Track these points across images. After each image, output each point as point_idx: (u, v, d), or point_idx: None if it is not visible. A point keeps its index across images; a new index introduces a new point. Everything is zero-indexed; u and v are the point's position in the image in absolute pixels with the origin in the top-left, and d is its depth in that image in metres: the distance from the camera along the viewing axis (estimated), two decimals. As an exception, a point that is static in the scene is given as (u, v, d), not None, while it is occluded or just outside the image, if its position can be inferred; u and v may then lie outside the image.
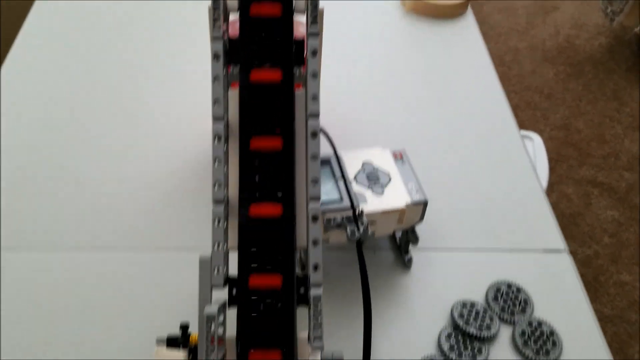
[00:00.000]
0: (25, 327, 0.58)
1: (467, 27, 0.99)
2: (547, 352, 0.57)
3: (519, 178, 0.75)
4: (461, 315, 0.59)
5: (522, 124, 0.78)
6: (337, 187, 0.57)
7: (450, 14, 1.00)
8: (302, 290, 0.46)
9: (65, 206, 0.69)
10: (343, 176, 0.58)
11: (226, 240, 0.46)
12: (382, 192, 0.58)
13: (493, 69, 0.91)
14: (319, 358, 0.45)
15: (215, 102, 0.44)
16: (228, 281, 0.46)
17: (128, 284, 0.62)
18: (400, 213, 0.58)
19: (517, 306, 0.61)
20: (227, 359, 0.46)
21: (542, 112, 1.97)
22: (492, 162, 0.76)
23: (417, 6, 0.99)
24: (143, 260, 0.64)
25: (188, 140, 0.77)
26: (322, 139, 0.47)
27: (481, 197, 0.72)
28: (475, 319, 0.59)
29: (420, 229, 0.63)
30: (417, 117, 0.82)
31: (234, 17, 0.46)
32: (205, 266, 0.45)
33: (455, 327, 0.59)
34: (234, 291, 0.46)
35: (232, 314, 0.46)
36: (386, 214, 0.57)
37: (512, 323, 0.60)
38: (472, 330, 0.58)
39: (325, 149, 0.49)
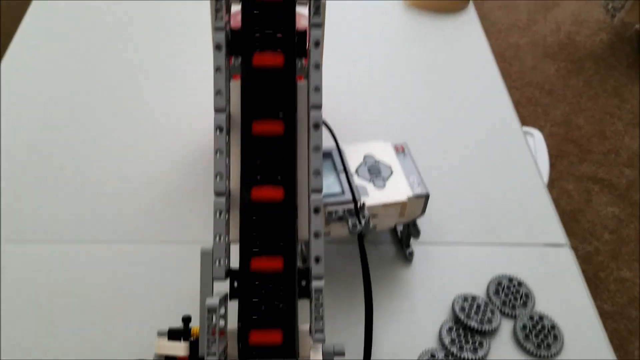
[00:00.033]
0: (25, 320, 0.58)
1: (469, 22, 0.98)
2: (548, 346, 0.57)
3: (521, 172, 0.74)
4: (462, 309, 0.59)
5: (523, 120, 0.78)
6: (339, 180, 0.57)
7: (451, 8, 0.99)
8: (303, 283, 0.46)
9: (65, 199, 0.69)
10: (345, 169, 0.58)
11: (228, 232, 0.45)
12: (383, 185, 0.58)
13: (495, 64, 0.91)
14: (320, 351, 0.45)
15: (217, 93, 0.44)
16: (229, 274, 0.46)
17: (130, 278, 0.62)
18: (401, 206, 0.58)
19: (519, 300, 0.61)
20: (229, 351, 0.46)
21: (542, 108, 1.97)
22: (493, 157, 0.76)
23: (419, 1, 0.99)
24: (145, 254, 0.64)
25: (189, 135, 0.77)
26: (324, 132, 0.47)
27: (483, 192, 0.72)
28: (477, 312, 0.59)
29: (421, 223, 0.63)
30: (418, 111, 0.82)
31: (236, 8, 0.46)
32: (207, 258, 0.45)
33: (457, 320, 0.59)
34: (236, 284, 0.46)
35: (233, 306, 0.46)
36: (388, 207, 0.57)
37: (513, 317, 0.60)
38: (473, 324, 0.58)
39: (326, 142, 0.49)
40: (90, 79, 0.84)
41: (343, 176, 0.57)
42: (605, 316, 1.36)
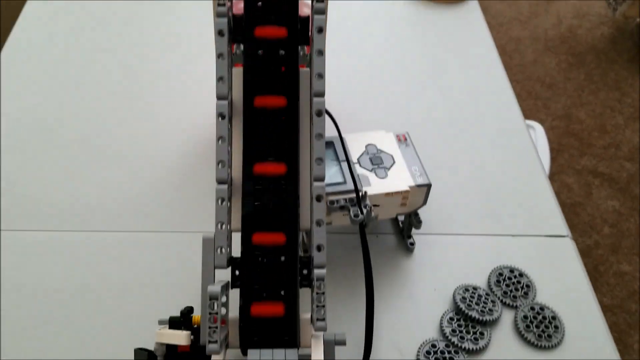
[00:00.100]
0: (25, 309, 0.58)
1: (471, 12, 0.98)
2: (549, 337, 0.57)
3: (522, 163, 0.74)
4: (463, 299, 0.59)
5: (524, 114, 0.78)
6: (341, 169, 0.57)
7: (453, -1, 0.99)
8: (305, 271, 0.46)
9: (66, 188, 0.68)
10: (347, 158, 0.57)
11: (229, 221, 0.45)
12: (385, 175, 0.58)
13: (497, 55, 0.90)
14: (322, 340, 0.45)
15: (219, 79, 0.44)
16: (231, 262, 0.46)
17: (130, 266, 0.62)
18: (403, 196, 0.57)
19: (520, 291, 0.61)
20: (230, 340, 0.46)
21: (543, 101, 1.97)
22: (495, 147, 0.76)
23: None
24: (146, 243, 0.64)
25: (191, 124, 0.77)
26: (327, 121, 0.46)
27: (484, 182, 0.72)
28: (478, 303, 0.59)
29: (423, 213, 0.63)
30: (421, 102, 0.82)
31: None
32: (209, 246, 0.45)
33: (458, 311, 0.58)
34: (237, 272, 0.46)
35: (234, 294, 0.46)
36: (389, 196, 0.57)
37: (515, 307, 0.60)
38: (474, 314, 0.58)
39: (329, 132, 0.49)
40: (89, 71, 0.84)
41: (345, 165, 0.57)
42: (604, 309, 1.36)
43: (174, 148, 0.74)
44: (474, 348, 0.56)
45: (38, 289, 0.59)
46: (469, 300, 0.59)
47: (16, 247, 0.62)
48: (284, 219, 0.45)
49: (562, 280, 0.62)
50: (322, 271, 0.44)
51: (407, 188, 0.57)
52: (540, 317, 0.58)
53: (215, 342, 0.42)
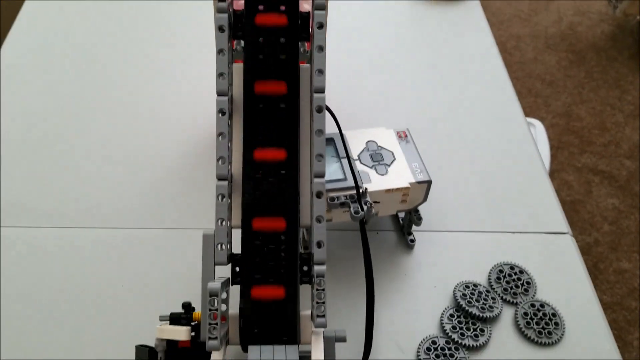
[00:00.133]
0: (25, 305, 0.58)
1: (472, 9, 0.98)
2: (550, 334, 0.57)
3: (523, 160, 0.74)
4: (464, 296, 0.59)
5: (524, 111, 0.78)
6: (341, 166, 0.57)
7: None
8: (305, 268, 0.46)
9: (65, 185, 0.68)
10: (347, 155, 0.57)
11: (230, 218, 0.45)
12: (385, 172, 0.58)
13: (497, 51, 0.90)
14: (322, 336, 0.45)
15: (219, 75, 0.43)
16: (231, 259, 0.46)
17: (131, 263, 0.62)
18: (403, 193, 0.57)
19: (520, 287, 0.61)
20: (230, 336, 0.46)
21: (543, 99, 1.96)
22: (496, 144, 0.76)
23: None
24: (146, 239, 0.64)
25: (192, 121, 0.77)
26: (327, 118, 0.46)
27: (485, 179, 0.72)
28: (478, 300, 0.59)
29: (423, 210, 0.63)
30: (421, 98, 0.82)
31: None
32: (209, 242, 0.45)
33: (458, 307, 0.58)
34: (237, 268, 0.46)
35: (234, 291, 0.46)
36: (390, 193, 0.57)
37: (515, 304, 0.60)
38: (474, 311, 0.58)
39: (329, 129, 0.49)
40: (89, 68, 0.84)
41: (345, 162, 0.57)
42: (604, 307, 1.36)
43: (174, 145, 0.74)
44: (474, 345, 0.56)
45: (38, 286, 0.59)
46: (470, 297, 0.59)
47: (16, 244, 0.62)
48: (284, 205, 0.45)
49: (563, 277, 0.62)
50: (323, 268, 0.44)
51: (408, 185, 0.57)
52: (540, 314, 0.58)
53: (216, 338, 0.42)
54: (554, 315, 0.59)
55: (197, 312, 0.48)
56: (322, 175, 0.45)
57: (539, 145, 1.13)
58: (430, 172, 0.59)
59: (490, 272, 0.62)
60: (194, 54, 0.86)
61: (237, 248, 0.46)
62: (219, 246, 0.45)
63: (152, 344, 0.47)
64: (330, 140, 0.59)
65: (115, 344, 0.55)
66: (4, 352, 0.54)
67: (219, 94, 0.44)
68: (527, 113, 1.86)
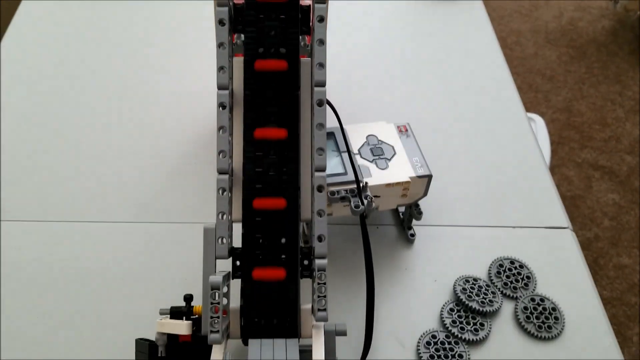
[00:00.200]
0: (25, 299, 0.58)
1: (473, 4, 0.98)
2: (549, 328, 0.57)
3: (524, 155, 0.74)
4: (464, 291, 0.59)
5: (524, 106, 0.78)
6: (342, 160, 0.57)
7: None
8: (306, 262, 0.46)
9: (66, 179, 0.69)
10: (348, 149, 0.57)
11: (230, 212, 0.45)
12: (386, 166, 0.58)
13: (498, 46, 0.90)
14: (322, 330, 0.45)
15: (220, 69, 0.43)
16: (232, 252, 0.46)
17: (131, 257, 0.62)
18: (404, 187, 0.57)
19: (520, 282, 0.61)
20: (231, 330, 0.46)
21: (544, 94, 1.96)
22: (496, 139, 0.76)
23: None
24: (146, 233, 0.64)
25: (193, 115, 0.77)
26: (327, 112, 0.46)
27: (485, 174, 0.72)
28: (478, 294, 0.59)
29: (423, 204, 0.63)
30: (422, 93, 0.82)
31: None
32: (210, 236, 0.45)
33: (458, 302, 0.59)
34: (238, 262, 0.46)
35: (235, 285, 0.46)
36: (390, 187, 0.57)
37: (515, 299, 0.60)
38: (474, 305, 0.58)
39: (329, 123, 0.49)
40: (87, 63, 0.84)
41: (346, 156, 0.57)
42: (604, 302, 1.36)
43: (175, 139, 0.74)
44: (474, 339, 0.56)
45: (38, 279, 0.59)
46: (470, 292, 0.59)
47: (16, 238, 0.62)
48: (285, 183, 0.45)
49: (563, 272, 0.62)
50: (323, 262, 0.44)
51: (408, 179, 0.57)
52: (540, 309, 0.59)
53: (217, 332, 0.42)
54: (553, 309, 0.59)
55: (198, 306, 0.48)
56: (322, 169, 0.45)
57: (540, 140, 1.13)
58: (430, 166, 0.59)
59: (490, 267, 0.62)
60: (194, 48, 0.86)
61: (237, 242, 0.46)
62: (220, 240, 0.45)
63: (152, 337, 0.48)
64: (330, 134, 0.59)
65: (115, 337, 0.55)
66: (4, 347, 0.54)
67: (220, 87, 0.44)
68: (528, 108, 1.86)
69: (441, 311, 0.58)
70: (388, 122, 0.63)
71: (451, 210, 0.67)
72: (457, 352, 0.55)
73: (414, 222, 0.64)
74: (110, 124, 0.75)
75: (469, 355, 0.55)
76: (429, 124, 0.77)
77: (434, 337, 0.56)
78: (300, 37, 0.46)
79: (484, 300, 0.58)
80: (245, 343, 0.45)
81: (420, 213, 0.62)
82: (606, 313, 0.60)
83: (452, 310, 0.58)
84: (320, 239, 0.45)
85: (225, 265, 0.46)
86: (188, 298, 0.48)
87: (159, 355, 0.47)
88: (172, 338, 0.47)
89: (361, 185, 0.55)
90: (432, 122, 0.77)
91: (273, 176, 0.45)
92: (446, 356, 0.54)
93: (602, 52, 2.12)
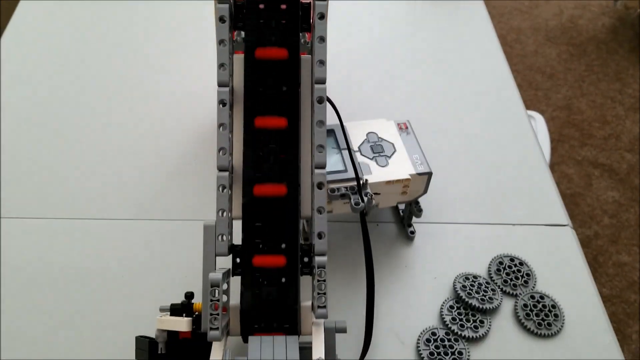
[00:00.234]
0: (25, 296, 0.58)
1: (473, 2, 0.98)
2: (549, 325, 0.57)
3: (524, 153, 0.74)
4: (464, 288, 0.59)
5: (524, 104, 0.78)
6: (342, 157, 0.57)
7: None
8: (306, 259, 0.46)
9: (66, 176, 0.69)
10: (348, 146, 0.57)
11: (230, 209, 0.45)
12: (386, 163, 0.58)
13: (498, 44, 0.90)
14: (322, 327, 0.45)
15: (220, 66, 0.43)
16: (232, 250, 0.46)
17: (131, 254, 0.62)
18: (404, 184, 0.57)
19: (520, 279, 0.61)
20: (231, 327, 0.46)
21: (544, 92, 1.96)
22: (496, 137, 0.76)
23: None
24: (146, 231, 0.64)
25: (193, 113, 0.77)
26: (328, 109, 0.46)
27: (485, 171, 0.72)
28: (478, 291, 0.59)
29: (423, 202, 0.63)
30: (422, 90, 0.82)
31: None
32: (210, 233, 0.45)
33: (458, 299, 0.59)
34: (238, 260, 0.46)
35: (235, 282, 0.46)
36: (390, 184, 0.57)
37: (515, 296, 0.60)
38: (474, 302, 0.58)
39: (329, 120, 0.49)
40: (86, 60, 0.84)
41: (346, 153, 0.57)
42: (603, 300, 1.36)
43: (175, 136, 0.74)
44: (474, 336, 0.56)
45: (38, 276, 0.59)
46: (469, 289, 0.59)
47: (16, 235, 0.62)
48: (285, 171, 0.45)
49: (562, 269, 0.62)
50: (323, 259, 0.44)
51: (408, 176, 0.57)
52: (540, 306, 0.59)
53: (217, 329, 0.42)
54: (553, 307, 0.59)
55: (198, 303, 0.48)
56: (323, 167, 0.45)
57: (540, 138, 1.13)
58: (430, 164, 0.59)
59: (490, 264, 0.62)
60: (193, 47, 0.86)
61: (237, 239, 0.46)
62: (220, 237, 0.45)
63: (152, 335, 0.48)
64: (330, 132, 0.59)
65: (115, 335, 0.55)
66: (3, 343, 0.54)
67: (220, 84, 0.44)
68: (528, 106, 1.86)
69: (441, 308, 0.58)
70: (388, 119, 0.63)
71: (451, 208, 0.67)
72: (456, 349, 0.55)
73: (414, 219, 0.64)
74: (109, 121, 0.75)
75: (468, 352, 0.55)
76: (429, 122, 0.77)
77: (433, 334, 0.56)
78: (300, 34, 0.46)
79: (483, 297, 0.58)
80: (245, 340, 0.45)
81: (420, 210, 0.62)
82: (606, 311, 0.60)
83: (452, 307, 0.58)
84: (320, 236, 0.45)
85: (225, 262, 0.47)
86: (189, 295, 0.48)
87: (159, 352, 0.47)
88: (172, 335, 0.47)
89: (361, 182, 0.55)
90: (432, 119, 0.77)
91: (273, 164, 0.45)
92: (446, 353, 0.54)
93: (602, 50, 2.12)
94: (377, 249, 0.62)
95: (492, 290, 0.59)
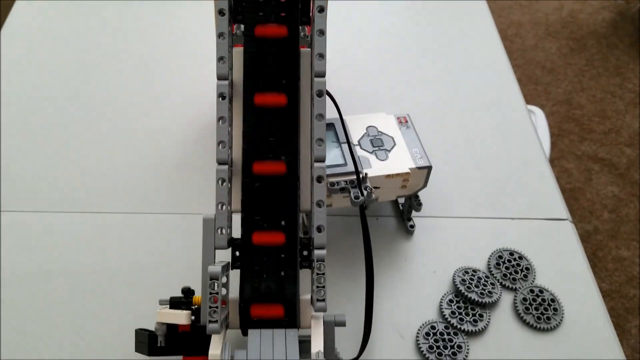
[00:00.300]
0: (24, 289, 0.58)
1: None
2: (548, 319, 0.57)
3: (523, 147, 0.74)
4: (463, 282, 0.59)
5: (524, 99, 0.78)
6: (341, 151, 0.57)
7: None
8: (305, 252, 0.46)
9: (66, 170, 0.68)
10: (347, 140, 0.57)
11: (230, 202, 0.45)
12: (386, 157, 0.58)
13: (498, 38, 0.90)
14: (322, 321, 0.45)
15: (219, 59, 0.43)
16: (231, 243, 0.46)
17: (131, 248, 0.62)
18: (404, 178, 0.57)
19: (519, 273, 0.61)
20: (230, 320, 0.46)
21: (544, 86, 1.96)
22: (496, 131, 0.76)
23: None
24: (146, 224, 0.64)
25: (193, 107, 0.76)
26: (327, 103, 0.46)
27: (485, 166, 0.72)
28: (477, 285, 0.59)
29: (423, 196, 0.63)
30: (422, 84, 0.82)
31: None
32: (209, 226, 0.45)
33: (457, 293, 0.59)
34: (237, 253, 0.46)
35: (235, 275, 0.46)
36: (390, 178, 0.57)
37: (514, 290, 0.60)
38: (473, 296, 0.58)
39: (329, 114, 0.48)
40: (87, 55, 0.84)
41: (346, 147, 0.57)
42: (603, 294, 1.36)
43: (174, 130, 0.74)
44: (473, 330, 0.56)
45: (38, 270, 0.59)
46: (469, 283, 0.59)
47: (16, 229, 0.62)
48: (285, 149, 0.45)
49: (562, 263, 0.63)
50: (323, 252, 0.44)
51: (408, 170, 0.57)
52: (539, 300, 0.59)
53: (216, 322, 0.42)
54: (552, 300, 0.59)
55: (197, 296, 0.48)
56: (322, 160, 0.45)
57: (539, 132, 1.13)
58: (430, 157, 0.59)
59: (489, 258, 0.62)
60: (195, 38, 0.86)
61: (237, 232, 0.46)
62: (219, 230, 0.45)
63: (152, 327, 0.48)
64: (330, 125, 0.59)
65: (115, 328, 0.55)
66: (4, 338, 0.54)
67: (219, 78, 0.44)
68: (528, 100, 1.86)
69: (440, 302, 0.58)
70: (388, 113, 0.63)
71: (451, 202, 0.67)
72: (456, 342, 0.55)
73: (414, 213, 0.64)
74: (108, 116, 0.75)
75: (468, 346, 0.55)
76: (429, 116, 0.76)
77: (433, 327, 0.56)
78: (300, 27, 0.46)
79: (483, 291, 0.58)
80: (245, 333, 0.45)
81: (419, 204, 0.62)
82: (605, 305, 0.60)
83: (451, 301, 0.58)
84: (319, 229, 0.45)
85: (224, 255, 0.47)
86: (186, 290, 0.48)
87: (159, 345, 0.47)
88: (171, 328, 0.47)
89: (361, 176, 0.55)
90: (432, 113, 0.77)
91: (273, 142, 0.45)
92: (445, 347, 0.54)
93: (602, 45, 2.12)
94: (376, 242, 0.62)
95: (492, 284, 0.59)
